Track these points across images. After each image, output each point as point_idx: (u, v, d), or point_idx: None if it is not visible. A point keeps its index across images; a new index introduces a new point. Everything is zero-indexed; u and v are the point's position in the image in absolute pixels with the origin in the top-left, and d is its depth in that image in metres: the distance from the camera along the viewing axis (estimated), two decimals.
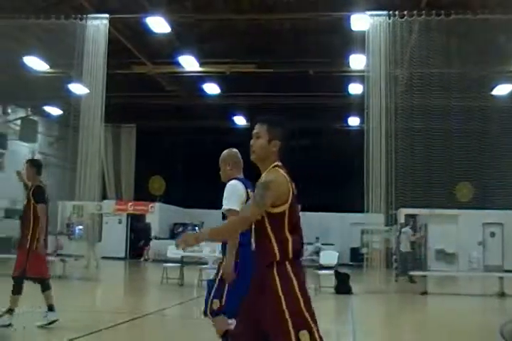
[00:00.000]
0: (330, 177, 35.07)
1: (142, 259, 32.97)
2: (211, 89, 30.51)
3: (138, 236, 35.06)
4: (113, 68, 22.79)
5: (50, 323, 9.51)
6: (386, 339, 11.09)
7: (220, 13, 24.76)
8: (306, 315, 4.16)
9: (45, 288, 9.62)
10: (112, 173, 36.68)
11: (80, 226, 27.09)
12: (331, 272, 18.31)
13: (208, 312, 6.25)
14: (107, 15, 20.73)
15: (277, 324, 4.12)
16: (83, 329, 9.55)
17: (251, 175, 5.13)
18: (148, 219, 34.86)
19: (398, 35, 19.61)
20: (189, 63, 26.31)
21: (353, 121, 33.50)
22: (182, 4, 24.81)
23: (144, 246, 34.07)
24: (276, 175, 4.33)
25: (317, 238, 33.04)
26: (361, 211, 20.07)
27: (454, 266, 26.79)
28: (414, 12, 19.36)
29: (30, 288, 9.70)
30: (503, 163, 23.77)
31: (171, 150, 37.68)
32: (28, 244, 9.43)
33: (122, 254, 34.11)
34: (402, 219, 24.77)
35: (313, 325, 4.15)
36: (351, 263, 31.11)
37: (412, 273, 20.69)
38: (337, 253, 20.05)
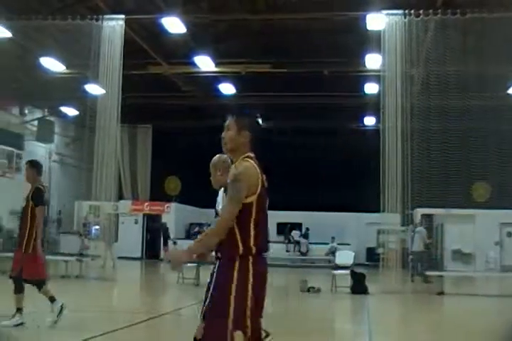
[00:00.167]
0: (346, 177, 35.03)
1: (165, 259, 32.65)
2: (226, 89, 30.54)
3: (154, 236, 35.10)
4: (129, 69, 22.86)
5: (60, 312, 9.49)
6: (402, 340, 11.05)
7: (235, 13, 24.78)
8: (248, 314, 4.20)
9: (41, 287, 9.58)
10: (128, 173, 36.79)
11: (97, 227, 27.15)
12: (347, 272, 18.28)
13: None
14: (123, 16, 20.78)
15: (217, 315, 4.19)
16: (99, 329, 9.58)
17: None
18: (164, 219, 34.91)
19: (414, 34, 19.53)
20: (205, 63, 26.34)
21: (369, 120, 33.39)
22: (197, 5, 24.87)
23: (164, 246, 33.87)
24: (245, 166, 4.35)
25: (333, 238, 33.00)
26: (377, 211, 20.03)
27: (471, 266, 26.63)
28: (430, 11, 19.28)
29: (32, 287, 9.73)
30: None
31: (187, 151, 37.69)
32: (24, 245, 9.46)
33: (138, 254, 34.20)
34: (418, 219, 24.68)
35: (249, 326, 4.22)
36: (367, 263, 31.02)
37: (428, 273, 20.62)
38: (353, 253, 20.03)
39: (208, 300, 4.36)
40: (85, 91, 25.64)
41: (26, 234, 9.46)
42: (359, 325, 12.82)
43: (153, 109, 32.82)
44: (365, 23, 20.86)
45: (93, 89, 24.35)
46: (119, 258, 26.05)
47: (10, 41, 23.01)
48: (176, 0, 21.99)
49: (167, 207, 35.49)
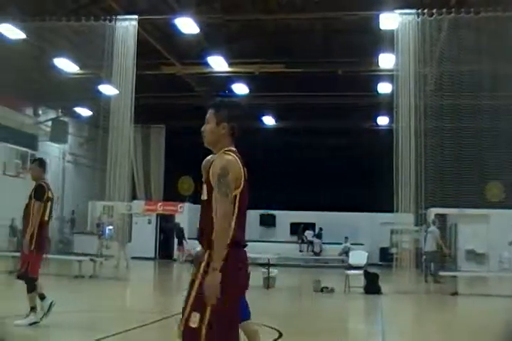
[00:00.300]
0: (359, 176, 34.97)
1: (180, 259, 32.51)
2: (240, 89, 30.54)
3: (167, 236, 35.15)
4: (142, 69, 22.91)
5: (49, 310, 9.42)
6: (416, 340, 11.02)
7: (248, 13, 24.82)
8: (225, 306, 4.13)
9: (30, 289, 9.46)
10: (142, 174, 36.86)
11: (110, 227, 27.26)
12: (361, 272, 18.25)
13: None
14: (136, 17, 20.83)
15: (188, 298, 4.23)
16: (112, 329, 9.62)
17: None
18: (178, 219, 34.96)
19: (427, 33, 19.47)
20: (218, 63, 26.37)
21: (382, 120, 33.31)
22: (210, 5, 24.92)
23: (179, 245, 33.81)
24: (227, 160, 4.31)
25: (346, 238, 32.93)
26: (391, 211, 19.99)
27: (485, 267, 26.53)
28: (444, 10, 19.22)
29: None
30: None
31: (200, 151, 37.64)
32: (28, 243, 9.50)
33: (152, 254, 34.24)
34: (431, 219, 24.59)
35: (208, 312, 4.11)
36: (380, 263, 30.94)
37: (441, 273, 20.55)
38: (366, 253, 20.00)
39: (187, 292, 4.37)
40: (99, 92, 25.73)
41: (29, 232, 9.49)
42: (372, 325, 12.80)
43: (167, 109, 32.89)
44: (379, 23, 20.82)
45: (107, 89, 24.44)
46: (133, 258, 26.12)
47: (24, 42, 23.13)
48: (189, 0, 22.03)
49: (180, 207, 35.52)
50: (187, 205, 35.76)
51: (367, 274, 18.12)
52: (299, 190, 36.54)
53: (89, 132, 34.95)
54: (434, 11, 19.32)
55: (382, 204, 24.08)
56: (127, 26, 20.71)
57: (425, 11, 19.44)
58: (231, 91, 30.68)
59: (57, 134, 31.96)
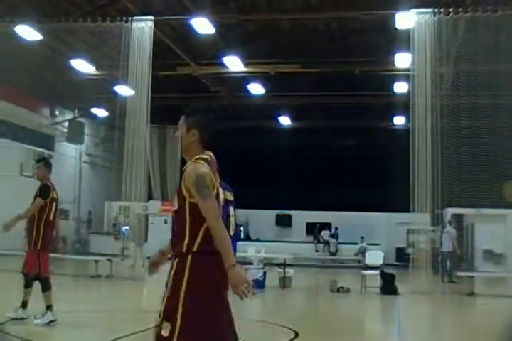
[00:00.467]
0: (376, 176, 34.86)
1: None
2: (256, 89, 30.56)
3: None
4: (158, 69, 22.99)
5: (18, 319, 9.45)
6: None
7: (264, 13, 24.82)
8: (179, 312, 4.10)
9: (26, 285, 9.56)
10: (158, 174, 36.95)
11: (126, 227, 27.32)
12: (377, 272, 18.21)
13: None
14: (152, 17, 20.88)
15: (163, 307, 4.22)
16: (128, 329, 9.62)
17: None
18: None
19: (444, 32, 19.37)
20: (233, 64, 26.38)
21: (399, 120, 33.24)
22: (226, 5, 24.93)
23: None
24: (199, 167, 4.26)
25: (362, 238, 32.87)
26: (407, 211, 19.91)
27: (502, 267, 26.34)
28: (460, 9, 19.12)
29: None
30: None
31: (216, 151, 37.73)
32: (33, 242, 9.54)
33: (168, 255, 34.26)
34: (447, 219, 24.47)
35: (179, 321, 4.09)
36: (397, 263, 30.86)
37: (458, 273, 20.45)
38: (383, 253, 19.92)
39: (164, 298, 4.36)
40: (115, 93, 25.83)
41: (34, 232, 9.56)
42: (389, 325, 12.76)
43: (183, 109, 32.90)
44: (395, 22, 20.77)
45: (123, 90, 24.52)
46: (149, 258, 26.15)
47: (41, 43, 23.26)
48: (204, 1, 22.06)
49: None
50: None
51: (383, 274, 18.07)
52: (315, 190, 36.47)
53: (105, 133, 35.09)
54: (451, 9, 19.22)
55: (399, 204, 24.01)
56: (143, 27, 20.76)
57: (441, 9, 19.34)
58: (247, 91, 30.73)
59: (74, 135, 32.12)
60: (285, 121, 36.74)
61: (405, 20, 20.25)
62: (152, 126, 26.16)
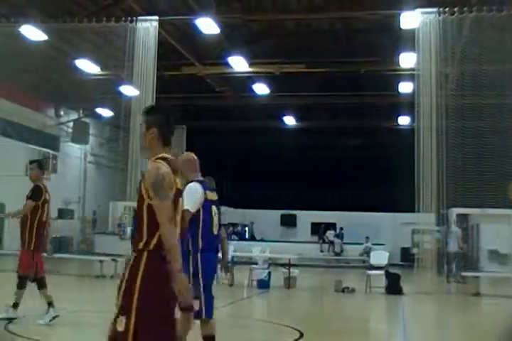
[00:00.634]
0: (381, 176, 34.85)
1: None
2: (260, 89, 30.56)
3: None
4: (163, 70, 22.99)
5: (9, 319, 9.45)
6: None
7: (269, 13, 24.81)
8: (134, 305, 4.15)
9: (19, 285, 9.54)
10: None
11: (131, 227, 27.34)
12: (382, 272, 18.18)
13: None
14: (157, 18, 20.90)
15: (120, 301, 4.26)
16: None
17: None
18: None
19: (449, 32, 19.34)
20: (238, 64, 26.39)
21: (403, 120, 33.23)
22: (230, 5, 24.95)
23: None
24: (157, 167, 4.29)
25: (367, 238, 32.83)
26: (412, 211, 19.89)
27: (508, 267, 26.28)
28: (465, 9, 19.09)
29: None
30: None
31: (221, 151, 37.81)
32: (26, 243, 9.55)
33: None
34: (453, 219, 24.42)
35: (134, 314, 4.14)
36: (402, 263, 30.79)
37: (463, 273, 20.42)
38: (387, 253, 19.90)
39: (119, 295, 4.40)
40: (120, 93, 25.85)
41: (27, 232, 9.57)
42: (394, 325, 12.74)
43: (187, 109, 32.96)
44: (399, 22, 20.76)
45: (127, 90, 24.54)
46: None
47: (46, 44, 23.28)
48: (209, 1, 22.07)
49: None
50: None
51: (388, 274, 18.05)
52: (320, 190, 36.48)
53: (110, 133, 35.10)
54: (456, 9, 19.19)
55: (404, 204, 23.99)
56: (148, 27, 20.78)
57: (446, 9, 19.33)
58: (252, 91, 30.74)
59: (79, 135, 32.15)
60: (290, 121, 36.74)
61: (410, 20, 20.24)
62: None
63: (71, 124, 32.36)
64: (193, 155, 7.22)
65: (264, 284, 17.57)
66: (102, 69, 26.64)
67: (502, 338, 3.78)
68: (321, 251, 35.00)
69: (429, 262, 19.94)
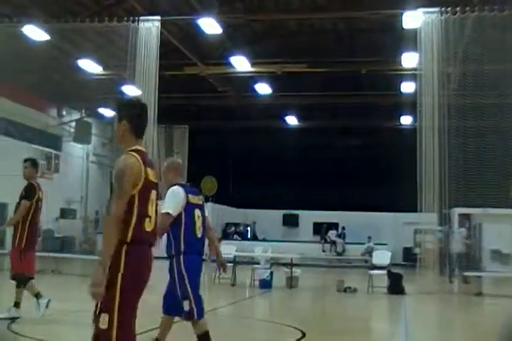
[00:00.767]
0: (383, 176, 34.83)
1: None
2: (263, 89, 30.56)
3: None
4: (165, 69, 22.99)
5: (47, 306, 9.54)
6: None
7: (271, 13, 24.82)
8: (117, 299, 4.20)
9: (18, 285, 9.58)
10: None
11: None
12: (384, 272, 18.18)
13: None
14: (159, 18, 20.90)
15: (104, 297, 4.23)
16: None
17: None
18: None
19: (451, 32, 19.33)
20: (240, 63, 26.39)
21: (406, 119, 33.20)
22: (233, 5, 24.95)
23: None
24: (124, 159, 4.37)
25: (369, 238, 32.83)
26: (414, 210, 19.88)
27: (510, 267, 26.27)
28: (467, 8, 19.08)
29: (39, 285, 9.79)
30: None
31: (223, 151, 37.84)
32: (17, 242, 9.56)
33: None
34: (455, 219, 24.41)
35: (117, 310, 4.20)
36: (404, 263, 30.79)
37: (466, 273, 20.40)
38: (390, 253, 19.89)
39: None
40: (122, 93, 25.88)
41: (18, 231, 9.57)
42: (396, 325, 12.75)
43: (190, 109, 33.00)
44: (402, 22, 20.76)
45: (130, 90, 24.55)
46: (156, 258, 26.18)
47: (48, 43, 23.30)
48: (211, 1, 22.08)
49: None
50: (210, 205, 35.79)
51: (390, 274, 18.05)
52: (322, 189, 36.46)
53: (112, 133, 35.05)
54: (458, 9, 19.18)
55: (406, 204, 23.96)
56: (150, 27, 20.78)
57: (448, 9, 19.30)
58: (254, 91, 30.74)
59: (81, 135, 32.19)
60: (292, 120, 36.74)
61: (412, 19, 20.24)
62: (159, 126, 26.21)
63: (73, 124, 32.40)
64: (178, 161, 7.35)
65: (266, 284, 17.58)
66: (104, 69, 26.65)
67: (502, 338, 3.79)
68: (323, 250, 35.00)
69: (432, 262, 19.93)
